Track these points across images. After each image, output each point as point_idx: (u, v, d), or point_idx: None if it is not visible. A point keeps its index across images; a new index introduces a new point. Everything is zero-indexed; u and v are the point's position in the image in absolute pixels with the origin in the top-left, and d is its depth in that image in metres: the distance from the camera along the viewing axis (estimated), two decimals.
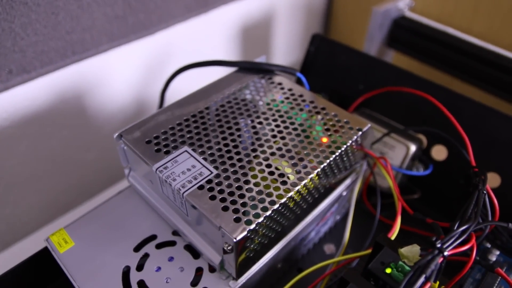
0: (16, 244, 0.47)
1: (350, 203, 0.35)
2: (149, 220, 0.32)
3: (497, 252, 0.35)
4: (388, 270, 0.29)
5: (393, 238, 0.32)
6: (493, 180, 0.37)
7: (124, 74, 0.50)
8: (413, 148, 0.38)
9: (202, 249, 0.29)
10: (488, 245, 0.35)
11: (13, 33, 0.38)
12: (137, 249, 0.30)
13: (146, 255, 0.30)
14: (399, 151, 0.39)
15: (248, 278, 0.29)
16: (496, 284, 0.32)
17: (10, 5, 0.37)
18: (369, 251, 0.31)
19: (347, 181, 0.35)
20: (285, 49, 0.70)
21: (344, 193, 0.36)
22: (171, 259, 0.30)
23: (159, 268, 0.29)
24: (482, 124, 0.38)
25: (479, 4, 0.52)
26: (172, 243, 0.31)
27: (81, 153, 0.51)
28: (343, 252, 0.34)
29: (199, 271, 0.29)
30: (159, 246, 0.31)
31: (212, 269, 0.29)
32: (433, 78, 0.42)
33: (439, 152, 0.40)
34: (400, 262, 0.29)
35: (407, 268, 0.28)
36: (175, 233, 0.31)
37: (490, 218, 0.31)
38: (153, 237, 0.31)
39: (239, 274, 0.28)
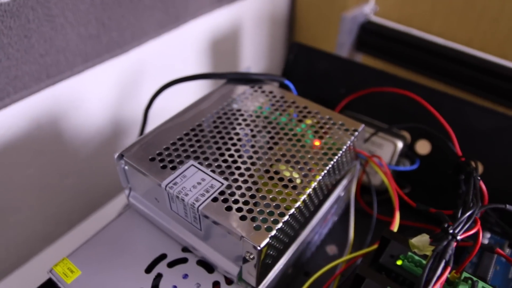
0: None
1: (350, 202, 0.36)
2: (155, 240, 0.32)
3: (488, 235, 0.37)
4: (399, 262, 0.30)
5: (395, 230, 0.34)
6: None
7: (99, 95, 0.49)
8: (400, 144, 0.40)
9: (217, 262, 0.29)
10: None
11: None
12: (148, 270, 0.30)
13: (159, 276, 0.29)
14: (387, 149, 0.40)
15: (266, 286, 0.29)
16: (493, 264, 0.34)
17: None
18: (375, 246, 0.32)
19: (344, 182, 0.36)
20: (254, 58, 0.71)
21: (342, 194, 0.36)
22: (185, 276, 0.29)
23: (175, 287, 0.29)
24: (460, 116, 0.40)
25: (436, 5, 0.55)
26: (184, 260, 0.30)
27: (59, 179, 0.49)
28: (350, 251, 0.34)
29: (216, 285, 0.29)
30: (171, 264, 0.30)
31: (229, 281, 0.29)
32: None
33: (423, 147, 0.42)
34: (410, 253, 0.30)
35: (417, 257, 0.30)
36: (185, 249, 0.31)
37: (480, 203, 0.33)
38: (163, 256, 0.30)
39: (258, 282, 0.28)
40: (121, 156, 0.30)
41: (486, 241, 0.37)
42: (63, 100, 0.45)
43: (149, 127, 0.44)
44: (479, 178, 0.31)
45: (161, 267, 0.30)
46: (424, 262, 0.29)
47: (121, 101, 0.52)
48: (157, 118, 0.52)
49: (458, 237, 0.26)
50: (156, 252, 0.31)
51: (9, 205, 0.45)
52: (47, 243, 0.50)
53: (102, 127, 0.51)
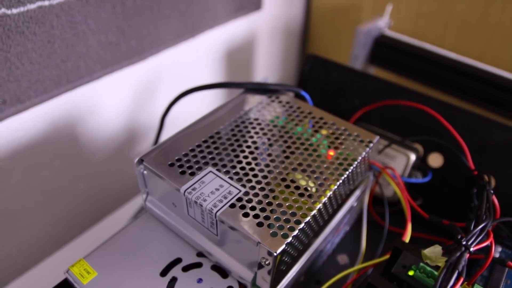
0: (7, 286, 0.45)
1: (363, 213, 0.37)
2: (171, 244, 0.32)
3: (500, 248, 0.37)
4: (411, 273, 0.30)
5: (406, 241, 0.34)
6: None
7: (115, 101, 0.50)
8: (413, 157, 0.40)
9: (231, 267, 0.29)
10: None
11: (8, 62, 0.38)
12: (163, 273, 0.30)
13: (174, 279, 0.30)
14: (400, 161, 0.41)
15: None
16: (504, 278, 0.34)
17: (6, 35, 0.36)
18: (386, 257, 0.32)
19: (357, 193, 0.37)
20: (267, 68, 0.72)
21: (355, 204, 0.37)
22: (199, 280, 0.30)
23: None
24: (473, 131, 0.40)
25: (449, 21, 0.56)
26: (198, 265, 0.31)
27: (73, 183, 0.50)
28: (362, 260, 0.35)
29: None
30: (185, 268, 0.30)
31: (242, 287, 0.29)
32: None
33: (435, 160, 0.42)
34: (422, 264, 0.30)
35: (429, 269, 0.30)
36: (200, 254, 0.31)
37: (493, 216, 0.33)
38: (178, 260, 0.31)
39: None
40: (141, 160, 0.31)
41: (497, 255, 0.37)
42: (81, 105, 0.46)
43: (164, 134, 0.45)
44: (492, 191, 0.32)
45: (176, 271, 0.30)
46: (436, 273, 0.29)
47: (137, 107, 0.53)
48: (170, 125, 0.53)
49: (471, 249, 0.26)
50: (171, 256, 0.31)
51: (22, 206, 0.45)
52: (58, 246, 0.51)
53: (117, 133, 0.52)
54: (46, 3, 0.38)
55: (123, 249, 0.32)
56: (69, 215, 0.52)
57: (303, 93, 0.38)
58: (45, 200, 0.48)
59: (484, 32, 0.54)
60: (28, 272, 0.47)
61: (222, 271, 0.30)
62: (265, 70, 0.71)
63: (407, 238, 0.34)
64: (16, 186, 0.44)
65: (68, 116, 0.46)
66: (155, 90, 0.54)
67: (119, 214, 0.54)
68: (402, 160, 0.41)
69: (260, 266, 0.27)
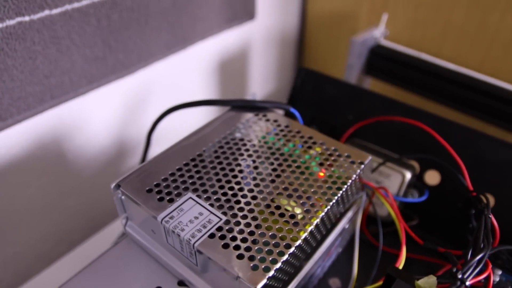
0: None
1: (355, 235, 0.35)
2: (151, 272, 0.31)
3: (499, 272, 0.35)
4: None
5: (400, 267, 0.32)
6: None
7: (103, 116, 0.49)
8: (408, 175, 0.39)
9: None
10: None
11: None
12: None
13: None
14: (395, 179, 0.39)
15: None
16: None
17: None
18: (379, 283, 0.31)
19: (349, 214, 0.35)
20: (262, 79, 0.70)
21: (347, 226, 0.35)
22: None
23: None
24: (471, 147, 0.39)
25: (447, 30, 0.54)
26: None
27: (61, 199, 0.49)
28: (354, 286, 0.33)
29: None
30: None
31: None
32: (409, 102, 0.43)
33: (432, 177, 0.41)
34: None
35: None
36: (181, 283, 0.30)
37: (491, 240, 0.32)
38: None
39: None
40: (117, 186, 0.29)
41: (497, 278, 0.35)
42: (67, 120, 0.45)
43: (154, 149, 0.43)
44: (490, 216, 0.30)
45: None
46: None
47: (126, 122, 0.52)
48: (162, 140, 0.51)
49: (467, 283, 0.25)
50: (151, 284, 0.30)
51: (8, 224, 0.44)
52: (47, 263, 0.50)
53: (106, 148, 0.51)
54: (27, 18, 0.37)
55: (101, 277, 0.30)
56: (57, 232, 0.51)
57: (293, 110, 0.36)
58: (32, 218, 0.47)
59: (483, 41, 0.52)
60: None
61: None
62: (260, 81, 0.70)
63: (401, 264, 0.32)
64: (0, 203, 0.43)
65: (54, 132, 0.45)
66: (145, 103, 0.53)
67: (109, 229, 0.53)
68: (397, 179, 0.39)
69: None
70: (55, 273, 0.47)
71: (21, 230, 0.46)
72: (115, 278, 0.30)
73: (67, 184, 0.49)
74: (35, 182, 0.45)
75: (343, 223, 0.34)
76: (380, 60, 0.54)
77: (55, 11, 0.39)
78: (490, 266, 0.26)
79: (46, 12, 0.38)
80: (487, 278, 0.26)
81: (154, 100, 0.53)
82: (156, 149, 0.36)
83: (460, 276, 0.25)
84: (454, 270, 0.25)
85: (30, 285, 0.46)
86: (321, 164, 0.31)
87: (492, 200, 0.38)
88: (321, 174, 0.31)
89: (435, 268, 0.37)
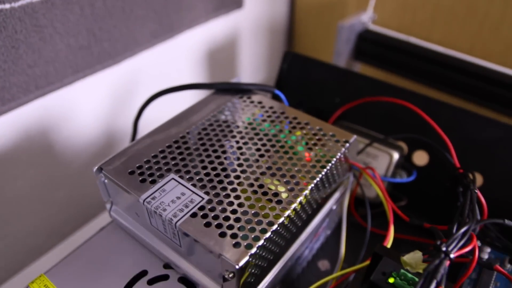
0: None
1: (342, 217, 0.35)
2: (137, 255, 0.30)
3: (488, 249, 0.35)
4: (391, 280, 0.28)
5: (388, 246, 0.32)
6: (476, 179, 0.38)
7: (91, 106, 0.48)
8: (396, 156, 0.39)
9: (198, 279, 0.28)
10: (479, 243, 0.36)
11: None
12: (128, 287, 0.28)
13: None
14: (383, 160, 0.39)
15: None
16: (492, 281, 0.32)
17: None
18: (367, 263, 0.30)
19: (336, 195, 0.35)
20: (252, 68, 0.70)
21: (334, 207, 0.35)
22: None
23: None
24: (459, 126, 0.39)
25: (436, 13, 0.54)
26: (165, 277, 0.29)
27: (50, 191, 0.48)
28: (341, 267, 0.33)
29: None
30: (151, 281, 0.29)
31: None
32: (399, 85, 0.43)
33: (420, 158, 0.40)
34: (402, 271, 0.28)
35: (410, 275, 0.28)
36: (167, 266, 0.30)
37: (479, 217, 0.32)
38: (143, 273, 0.29)
39: None
40: (100, 169, 0.29)
41: (486, 256, 0.35)
42: (54, 111, 0.45)
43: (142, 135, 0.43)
44: (476, 191, 0.30)
45: (141, 285, 0.29)
46: (417, 280, 0.27)
47: (114, 111, 0.51)
48: (150, 128, 0.51)
49: (452, 255, 0.25)
50: (137, 268, 0.30)
51: None
52: (38, 255, 0.49)
53: (95, 138, 0.51)
54: (7, 6, 0.37)
55: (87, 262, 0.30)
56: (48, 224, 0.50)
57: (278, 92, 0.36)
58: (22, 210, 0.46)
59: (472, 23, 0.52)
60: (7, 283, 0.45)
61: (189, 283, 0.29)
62: (249, 69, 0.69)
63: (389, 243, 0.32)
64: None
65: (40, 123, 0.44)
66: (133, 93, 0.52)
67: (100, 220, 0.53)
68: (385, 159, 0.39)
69: (224, 279, 0.25)
70: (45, 265, 0.47)
71: (11, 223, 0.46)
72: (100, 263, 0.30)
73: (56, 176, 0.48)
74: (23, 174, 0.45)
75: (330, 204, 0.34)
76: (369, 45, 0.54)
77: None
78: (475, 239, 0.26)
79: (28, 0, 0.38)
80: (472, 251, 0.26)
81: (142, 89, 0.53)
82: (144, 134, 0.36)
83: (444, 249, 0.25)
84: (439, 243, 0.25)
85: (20, 276, 0.45)
86: (305, 144, 0.31)
87: (480, 178, 0.38)
88: (306, 153, 0.31)
89: (425, 248, 0.37)
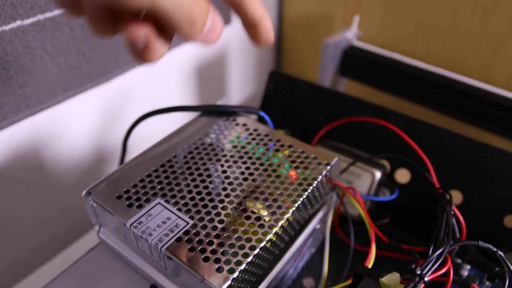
0: None
1: (325, 236, 0.36)
2: (125, 276, 0.31)
3: (468, 267, 0.36)
4: None
5: (369, 266, 0.33)
6: (455, 197, 0.39)
7: (81, 123, 0.49)
8: (378, 174, 0.40)
9: None
10: (459, 261, 0.37)
11: None
12: None
13: None
14: (365, 179, 0.40)
15: None
16: None
17: None
18: (349, 282, 0.31)
19: (320, 214, 0.36)
20: (240, 84, 0.71)
21: (318, 226, 0.36)
22: None
23: None
24: (439, 145, 0.40)
25: (419, 30, 0.55)
26: None
27: (41, 208, 0.49)
28: (324, 285, 0.34)
29: None
30: None
31: None
32: (384, 101, 0.44)
33: (403, 176, 0.42)
34: None
35: None
36: (154, 286, 0.31)
37: (458, 236, 0.33)
38: None
39: None
40: (88, 193, 0.30)
41: (466, 273, 0.36)
42: (45, 129, 0.46)
43: (132, 155, 0.44)
44: (452, 212, 0.31)
45: None
46: None
47: (105, 129, 0.52)
48: (140, 146, 0.51)
49: (426, 279, 0.26)
50: None
51: None
52: (28, 272, 0.50)
53: (85, 155, 0.51)
54: None
55: (76, 283, 0.31)
56: (38, 240, 0.51)
57: (262, 114, 0.37)
58: (12, 227, 0.47)
59: (455, 40, 0.53)
60: None
61: None
62: (238, 84, 0.70)
63: (370, 262, 0.33)
64: None
65: (31, 141, 0.45)
66: (123, 110, 0.53)
67: (90, 236, 0.53)
68: (367, 178, 0.40)
69: None
70: (35, 282, 0.47)
71: (2, 240, 0.46)
72: (88, 284, 0.31)
73: (47, 193, 0.49)
74: (14, 192, 0.45)
75: (314, 224, 0.35)
76: (354, 61, 0.55)
77: (27, 21, 0.39)
78: (450, 260, 0.27)
79: (18, 23, 0.39)
80: (447, 273, 0.27)
81: (132, 106, 0.54)
82: (133, 155, 0.36)
83: (418, 272, 0.26)
84: (413, 266, 0.26)
85: None
86: (288, 167, 0.32)
87: (459, 196, 0.39)
88: (289, 176, 0.32)
89: (407, 265, 0.38)
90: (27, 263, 0.50)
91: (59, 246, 0.53)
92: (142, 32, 0.20)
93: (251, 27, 0.25)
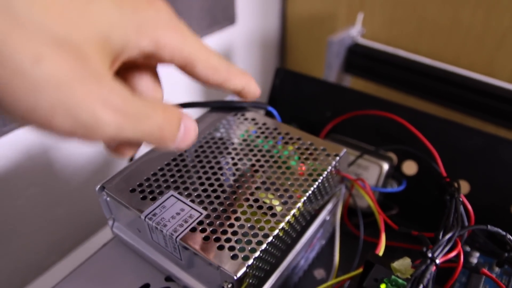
0: None
1: (335, 227, 0.36)
2: (139, 269, 0.32)
3: (477, 254, 0.37)
4: (383, 286, 0.30)
5: (380, 254, 0.33)
6: (463, 187, 0.39)
7: None
8: (385, 166, 0.40)
9: None
10: (468, 249, 0.37)
11: None
12: None
13: None
14: (373, 171, 0.40)
15: None
16: (481, 285, 0.33)
17: None
18: (360, 270, 0.32)
19: (329, 206, 0.36)
20: None
21: (328, 218, 0.36)
22: None
23: None
24: (445, 137, 0.40)
25: (422, 26, 0.56)
26: None
27: (51, 209, 0.49)
28: (336, 275, 0.34)
29: None
30: None
31: None
32: (389, 97, 0.45)
33: (410, 167, 0.42)
34: (393, 277, 0.30)
35: (401, 281, 0.29)
36: (168, 278, 0.31)
37: (466, 223, 0.33)
38: (146, 286, 0.31)
39: None
40: (102, 188, 0.30)
41: (475, 260, 0.37)
42: None
43: (141, 152, 0.44)
44: (461, 199, 0.31)
45: None
46: None
47: None
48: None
49: (437, 261, 0.26)
50: (139, 282, 0.31)
51: (0, 237, 0.45)
52: (39, 273, 0.50)
53: (94, 155, 0.52)
54: None
55: (91, 277, 0.31)
56: (48, 241, 0.51)
57: (270, 109, 0.38)
58: (23, 228, 0.47)
59: (457, 35, 0.54)
60: None
61: None
62: None
63: (380, 251, 0.33)
64: None
65: (41, 142, 0.46)
66: None
67: (100, 236, 0.54)
68: (375, 170, 0.40)
69: None
70: (48, 283, 0.48)
71: (12, 241, 0.47)
72: (104, 278, 0.31)
73: (56, 193, 0.49)
74: (24, 193, 0.46)
75: (324, 215, 0.36)
76: (358, 58, 0.56)
77: None
78: (460, 244, 0.28)
79: None
80: (457, 256, 0.27)
81: None
82: (143, 152, 0.37)
83: (430, 255, 0.26)
84: (425, 249, 0.26)
85: None
86: (298, 158, 0.33)
87: (467, 186, 0.40)
88: (299, 168, 0.32)
89: (415, 254, 0.38)
90: (37, 264, 0.51)
91: (68, 247, 0.54)
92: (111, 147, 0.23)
93: (237, 93, 0.28)
